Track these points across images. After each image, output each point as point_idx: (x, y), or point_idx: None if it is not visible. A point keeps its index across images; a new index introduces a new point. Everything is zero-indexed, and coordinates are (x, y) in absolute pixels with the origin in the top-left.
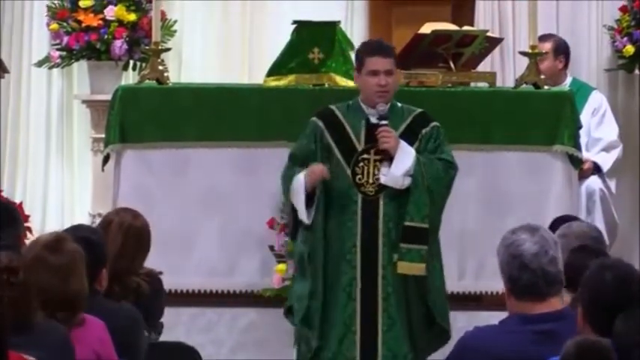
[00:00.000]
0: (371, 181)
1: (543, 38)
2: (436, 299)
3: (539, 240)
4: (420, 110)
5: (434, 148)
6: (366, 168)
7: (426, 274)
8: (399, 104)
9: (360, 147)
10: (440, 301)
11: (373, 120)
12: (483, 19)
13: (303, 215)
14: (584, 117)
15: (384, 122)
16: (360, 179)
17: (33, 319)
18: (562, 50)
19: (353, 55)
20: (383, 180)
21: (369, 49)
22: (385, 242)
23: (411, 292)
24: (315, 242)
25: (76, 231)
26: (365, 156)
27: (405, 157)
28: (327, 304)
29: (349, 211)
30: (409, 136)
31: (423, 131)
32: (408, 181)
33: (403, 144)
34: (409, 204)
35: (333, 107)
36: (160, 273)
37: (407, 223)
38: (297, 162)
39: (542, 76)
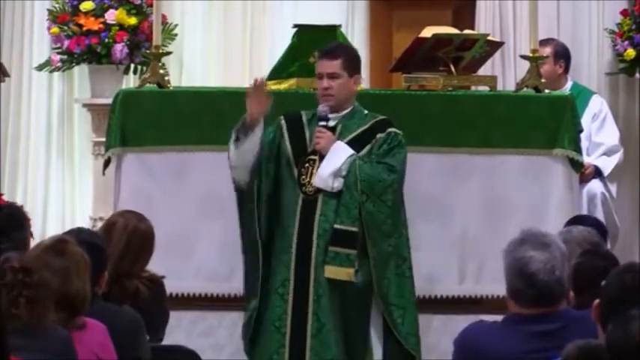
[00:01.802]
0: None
1: (544, 42)
2: (393, 312)
3: (548, 260)
4: (383, 117)
5: (384, 152)
6: (310, 168)
7: (353, 280)
8: (366, 111)
9: (310, 149)
10: (408, 322)
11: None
12: (484, 23)
13: (231, 149)
14: (585, 121)
15: (322, 123)
16: (303, 179)
17: (47, 319)
18: (562, 54)
19: None
20: (313, 181)
21: (319, 52)
22: (319, 243)
23: (349, 300)
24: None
25: (78, 234)
26: (312, 157)
27: (335, 157)
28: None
29: (291, 211)
30: (364, 139)
31: (378, 135)
32: (338, 184)
33: (338, 145)
34: (339, 206)
35: (302, 112)
36: (163, 277)
37: (336, 226)
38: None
39: (543, 80)
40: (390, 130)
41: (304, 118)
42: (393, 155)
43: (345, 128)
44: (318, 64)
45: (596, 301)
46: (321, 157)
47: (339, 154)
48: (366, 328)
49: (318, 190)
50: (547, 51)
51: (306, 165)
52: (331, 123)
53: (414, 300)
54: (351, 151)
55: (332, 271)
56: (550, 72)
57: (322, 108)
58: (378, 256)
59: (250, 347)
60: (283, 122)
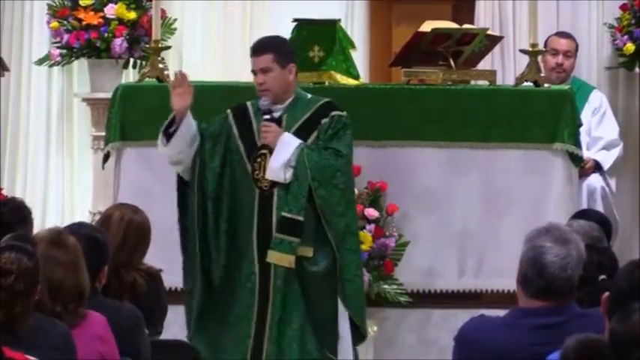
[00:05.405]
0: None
1: (566, 35)
2: (346, 293)
3: (565, 256)
4: (325, 100)
5: (330, 136)
6: (263, 163)
7: (292, 267)
8: (309, 95)
9: (259, 143)
10: (351, 295)
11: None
12: (484, 17)
13: (161, 142)
14: (585, 117)
15: (266, 117)
16: (257, 174)
17: (22, 323)
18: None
19: (353, 54)
20: (266, 175)
21: (250, 50)
22: None
23: (311, 287)
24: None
25: (80, 228)
26: (263, 151)
27: (284, 149)
28: (228, 298)
29: (248, 207)
30: (309, 126)
31: (323, 121)
32: (290, 174)
33: (285, 137)
34: (288, 195)
35: (248, 103)
36: (160, 270)
37: (284, 214)
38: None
39: (542, 74)
40: (334, 113)
41: (250, 111)
42: (339, 139)
43: (290, 118)
44: (251, 61)
45: (605, 294)
46: (272, 151)
47: (287, 146)
48: (334, 314)
49: (273, 185)
50: (572, 45)
51: (258, 160)
52: (276, 114)
53: (360, 273)
54: (298, 141)
55: (275, 257)
56: (572, 66)
57: (263, 102)
58: (336, 237)
59: (199, 337)
60: (231, 117)
